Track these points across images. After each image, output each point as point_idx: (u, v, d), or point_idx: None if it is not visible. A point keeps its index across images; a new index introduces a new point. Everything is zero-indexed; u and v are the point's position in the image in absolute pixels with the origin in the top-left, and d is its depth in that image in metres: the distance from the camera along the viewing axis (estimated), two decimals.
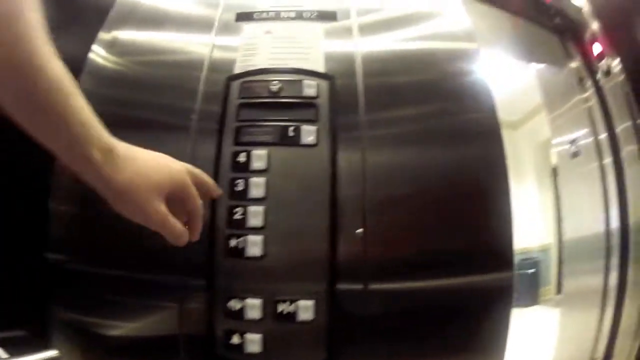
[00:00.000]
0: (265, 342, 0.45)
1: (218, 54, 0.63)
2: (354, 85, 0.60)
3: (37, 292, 0.53)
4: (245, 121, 0.55)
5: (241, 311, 0.46)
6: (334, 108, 0.56)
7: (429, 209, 0.56)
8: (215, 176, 0.52)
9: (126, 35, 0.67)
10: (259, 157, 0.52)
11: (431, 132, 0.60)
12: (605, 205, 1.22)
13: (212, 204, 0.50)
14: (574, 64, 1.30)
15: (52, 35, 0.31)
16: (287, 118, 0.55)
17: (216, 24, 0.67)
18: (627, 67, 1.19)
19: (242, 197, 0.51)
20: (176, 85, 0.62)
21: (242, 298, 0.47)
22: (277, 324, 0.46)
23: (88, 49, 0.65)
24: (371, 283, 0.49)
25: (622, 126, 1.20)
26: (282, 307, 0.46)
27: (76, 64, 0.62)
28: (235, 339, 0.45)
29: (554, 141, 1.43)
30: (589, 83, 1.24)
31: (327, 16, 0.65)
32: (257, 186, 0.51)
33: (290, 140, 0.53)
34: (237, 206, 0.50)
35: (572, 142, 1.32)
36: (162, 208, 0.36)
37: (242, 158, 0.53)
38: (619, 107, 1.20)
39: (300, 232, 0.50)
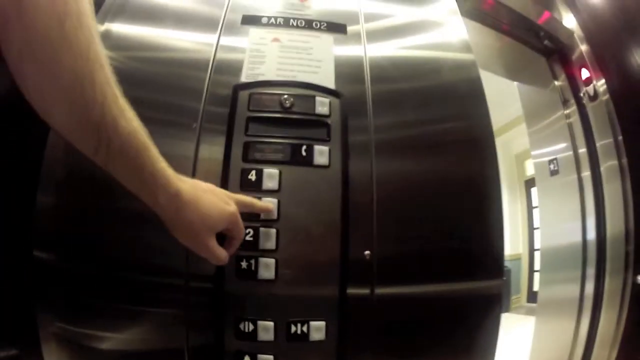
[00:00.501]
0: None
1: (223, 55, 0.61)
2: (363, 91, 0.61)
3: (28, 304, 0.50)
4: (255, 136, 0.54)
5: (254, 333, 0.47)
6: (345, 127, 0.56)
7: (432, 223, 0.58)
8: (222, 181, 0.51)
9: (120, 28, 0.62)
10: (271, 177, 0.52)
11: (433, 143, 0.62)
12: (583, 217, 1.33)
13: None
14: (558, 84, 1.37)
15: None
16: (299, 136, 0.54)
17: (221, 22, 0.64)
18: (612, 89, 1.27)
19: (254, 218, 0.50)
20: (178, 85, 0.59)
21: (254, 320, 0.47)
22: (289, 345, 0.47)
23: None
24: (379, 297, 0.52)
25: (603, 142, 1.30)
26: (295, 329, 0.47)
27: None
28: None
29: (533, 153, 1.52)
30: (571, 102, 1.32)
31: (337, 28, 0.64)
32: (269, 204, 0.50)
33: (303, 160, 0.53)
34: (248, 227, 0.49)
35: (552, 160, 1.41)
36: (213, 243, 0.43)
37: (252, 176, 0.52)
38: (601, 124, 1.29)
39: (312, 254, 0.50)
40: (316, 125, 0.55)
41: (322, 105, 0.56)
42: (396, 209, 0.55)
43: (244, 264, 0.49)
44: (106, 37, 0.61)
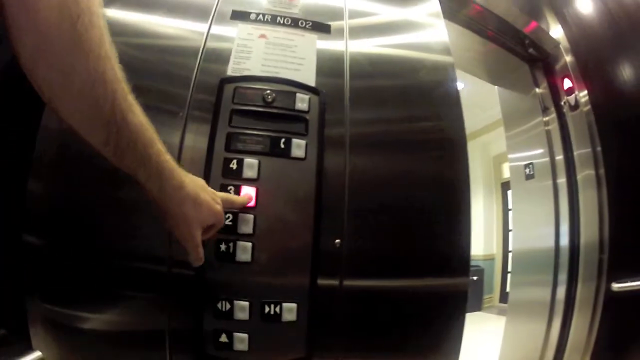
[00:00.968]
0: (251, 341, 0.49)
1: (213, 44, 0.63)
2: (342, 85, 0.64)
3: (15, 285, 0.53)
4: (238, 128, 0.57)
5: (230, 312, 0.50)
6: (322, 123, 0.59)
7: (400, 217, 0.62)
8: (206, 179, 0.54)
9: (114, 14, 0.64)
10: (251, 166, 0.55)
11: (406, 141, 0.66)
12: (556, 222, 1.37)
13: None
14: (539, 91, 1.41)
15: None
16: (278, 129, 0.57)
17: (213, 13, 0.66)
18: (594, 100, 1.31)
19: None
20: (168, 72, 0.61)
21: (231, 300, 0.51)
22: (263, 324, 0.50)
23: None
24: (348, 287, 0.55)
25: (580, 151, 1.34)
26: (269, 309, 0.51)
27: None
28: (224, 338, 0.49)
29: (509, 156, 1.56)
30: (551, 109, 1.37)
31: (321, 28, 0.67)
32: (248, 194, 0.54)
33: (281, 152, 0.56)
34: (227, 212, 0.53)
35: (528, 164, 1.45)
36: (199, 236, 0.45)
37: (233, 165, 0.55)
38: (580, 134, 1.33)
39: (286, 240, 0.54)
40: (295, 120, 0.58)
41: (302, 101, 0.59)
42: (367, 203, 0.59)
43: (223, 247, 0.52)
44: None
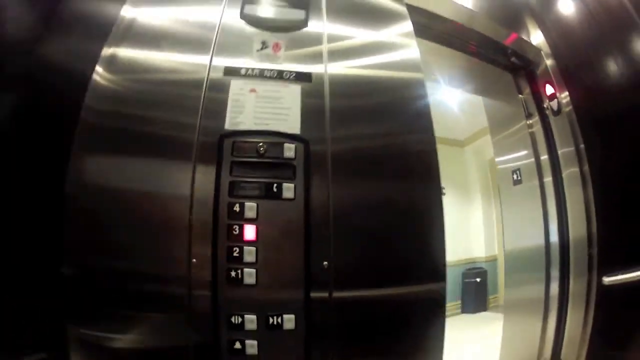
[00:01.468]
0: (260, 347, 0.65)
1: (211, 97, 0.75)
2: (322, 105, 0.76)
3: (55, 311, 0.68)
4: (238, 176, 0.70)
5: (241, 324, 0.65)
6: (308, 167, 0.72)
7: (376, 233, 0.75)
8: (215, 221, 0.68)
9: (123, 52, 0.76)
10: (251, 209, 0.68)
11: (380, 158, 0.78)
12: (545, 221, 1.46)
13: (214, 244, 0.67)
14: (523, 97, 1.48)
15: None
16: (271, 176, 0.70)
17: (207, 70, 0.78)
18: (575, 101, 1.38)
19: (239, 240, 0.67)
20: (176, 104, 0.74)
21: (242, 314, 0.65)
22: (268, 333, 0.65)
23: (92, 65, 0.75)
24: (337, 299, 0.70)
25: (564, 150, 1.42)
26: (272, 320, 0.66)
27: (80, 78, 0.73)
28: (238, 345, 0.64)
29: (497, 159, 1.65)
30: (535, 114, 1.44)
31: (303, 78, 0.78)
32: (250, 231, 0.68)
33: (274, 195, 0.69)
34: (234, 246, 0.67)
35: (515, 170, 1.53)
36: None
37: (237, 208, 0.68)
38: (563, 134, 1.41)
39: (283, 265, 0.68)
40: (284, 167, 0.71)
41: (289, 150, 0.71)
42: (348, 225, 0.72)
43: (232, 274, 0.66)
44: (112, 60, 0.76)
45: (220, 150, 0.71)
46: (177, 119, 0.74)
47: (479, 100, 1.76)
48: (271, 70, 0.78)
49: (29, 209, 0.73)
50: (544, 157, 1.44)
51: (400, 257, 0.76)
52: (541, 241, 1.48)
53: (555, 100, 1.36)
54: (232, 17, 0.83)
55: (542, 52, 1.38)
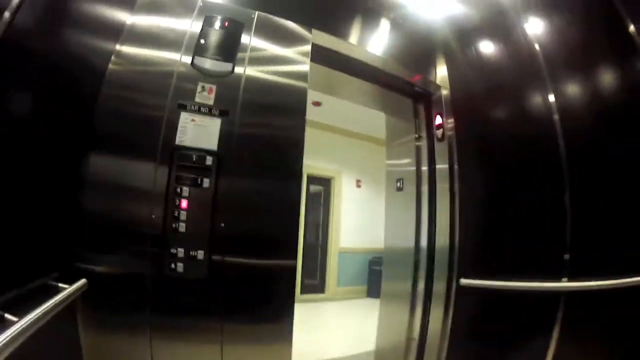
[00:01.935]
0: (184, 268, 1.21)
1: (169, 119, 1.27)
2: (237, 97, 1.28)
3: (67, 242, 1.28)
4: (180, 173, 1.23)
5: (176, 254, 1.22)
6: (218, 170, 1.23)
7: (253, 214, 1.28)
8: (166, 196, 1.22)
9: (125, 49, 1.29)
10: (185, 191, 1.23)
11: (267, 146, 1.30)
12: (417, 225, 1.79)
13: (165, 209, 1.22)
14: (417, 120, 1.83)
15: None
16: (197, 174, 1.23)
17: (167, 103, 1.28)
18: (458, 130, 1.72)
19: (178, 207, 1.22)
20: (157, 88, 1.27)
21: (177, 248, 1.22)
22: (189, 260, 1.22)
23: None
24: (225, 255, 1.25)
25: (441, 166, 1.77)
26: (193, 253, 1.22)
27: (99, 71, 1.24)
28: (173, 266, 1.21)
29: (387, 162, 2.04)
30: (424, 135, 1.81)
31: (224, 114, 1.27)
32: (184, 203, 1.22)
33: (198, 185, 1.23)
34: (175, 211, 1.22)
35: (399, 179, 1.91)
36: None
37: (178, 190, 1.23)
38: (442, 153, 1.76)
39: (199, 223, 1.23)
40: (205, 170, 1.23)
41: (209, 160, 1.23)
42: (235, 204, 1.25)
43: (173, 225, 1.22)
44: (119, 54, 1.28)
45: (171, 157, 1.24)
46: (149, 135, 1.27)
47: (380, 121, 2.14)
48: (205, 106, 1.28)
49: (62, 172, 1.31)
50: (424, 168, 1.82)
51: (267, 235, 1.29)
52: (412, 243, 1.83)
53: (442, 129, 1.73)
54: (185, 66, 1.31)
55: (441, 87, 1.73)
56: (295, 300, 1.31)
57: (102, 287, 1.15)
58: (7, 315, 0.76)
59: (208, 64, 1.32)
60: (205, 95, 1.29)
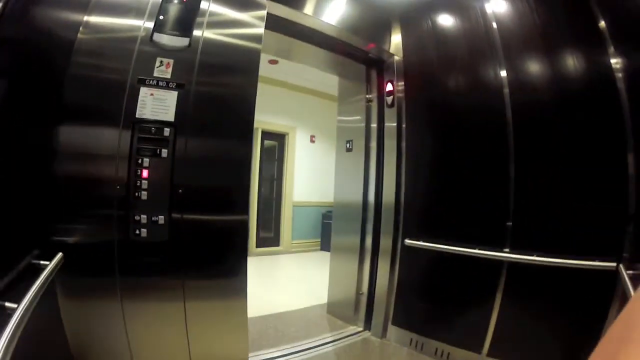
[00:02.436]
0: (148, 232, 1.31)
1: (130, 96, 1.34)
2: (194, 58, 1.35)
3: (43, 222, 1.38)
4: (141, 144, 1.31)
5: (139, 220, 1.31)
6: (174, 140, 1.31)
7: (211, 174, 1.36)
8: (129, 167, 1.31)
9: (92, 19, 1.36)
10: (146, 162, 1.31)
11: (221, 102, 1.37)
12: (365, 182, 1.88)
13: (128, 178, 1.31)
14: (369, 85, 1.87)
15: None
16: (156, 145, 1.31)
17: (129, 79, 1.35)
18: (407, 93, 1.76)
19: (140, 177, 1.31)
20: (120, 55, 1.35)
21: (140, 215, 1.32)
22: (152, 226, 1.32)
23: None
24: (183, 217, 1.34)
25: (390, 124, 1.84)
26: (155, 219, 1.31)
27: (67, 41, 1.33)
28: (137, 231, 1.31)
29: (338, 118, 2.08)
30: (374, 96, 1.84)
31: (180, 87, 1.33)
32: (145, 173, 1.30)
33: (157, 155, 1.31)
34: (137, 180, 1.30)
35: (348, 141, 1.97)
36: None
37: (139, 161, 1.31)
38: (391, 114, 1.82)
39: (159, 191, 1.32)
40: (163, 141, 1.31)
41: (166, 132, 1.30)
42: (191, 170, 1.33)
43: (136, 194, 1.31)
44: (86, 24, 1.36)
45: (133, 129, 1.32)
46: (113, 105, 1.34)
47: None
48: (163, 80, 1.34)
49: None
50: (374, 125, 1.87)
51: (225, 193, 1.37)
52: (360, 199, 1.92)
53: (392, 96, 1.76)
54: (147, 31, 1.37)
55: (394, 55, 1.75)
56: (251, 254, 1.42)
57: (76, 257, 1.25)
58: (7, 304, 0.79)
59: (165, 39, 1.37)
60: (163, 69, 1.35)
